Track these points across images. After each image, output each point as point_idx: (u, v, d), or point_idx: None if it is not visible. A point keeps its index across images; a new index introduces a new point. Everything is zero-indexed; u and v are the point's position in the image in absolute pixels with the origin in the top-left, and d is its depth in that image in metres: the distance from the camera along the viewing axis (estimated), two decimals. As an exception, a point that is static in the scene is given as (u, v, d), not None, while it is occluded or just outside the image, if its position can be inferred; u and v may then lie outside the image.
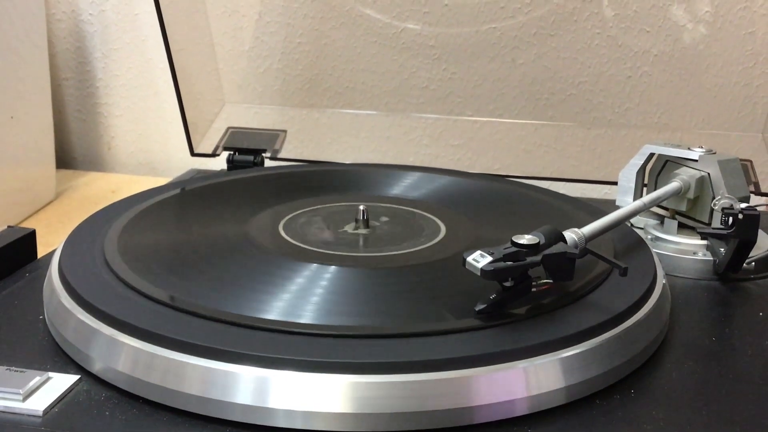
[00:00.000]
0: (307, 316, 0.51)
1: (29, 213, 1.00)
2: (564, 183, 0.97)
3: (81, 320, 0.51)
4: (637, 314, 0.54)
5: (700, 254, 0.70)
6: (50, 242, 0.73)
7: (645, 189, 0.77)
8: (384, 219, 0.70)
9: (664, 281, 0.60)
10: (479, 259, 0.51)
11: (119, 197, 0.74)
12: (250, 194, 0.77)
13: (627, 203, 0.71)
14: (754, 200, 0.77)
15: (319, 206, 0.73)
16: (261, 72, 1.05)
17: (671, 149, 0.74)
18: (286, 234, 0.65)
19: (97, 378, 0.49)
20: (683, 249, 0.71)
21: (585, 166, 1.00)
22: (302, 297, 0.54)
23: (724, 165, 0.71)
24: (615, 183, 0.79)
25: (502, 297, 0.52)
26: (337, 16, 1.01)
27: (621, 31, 0.96)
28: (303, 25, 1.02)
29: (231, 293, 0.54)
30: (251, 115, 1.05)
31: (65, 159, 1.22)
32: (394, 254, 0.62)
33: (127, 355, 0.48)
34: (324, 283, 0.56)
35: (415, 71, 1.02)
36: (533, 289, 0.53)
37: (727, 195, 0.68)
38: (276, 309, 0.52)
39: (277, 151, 0.97)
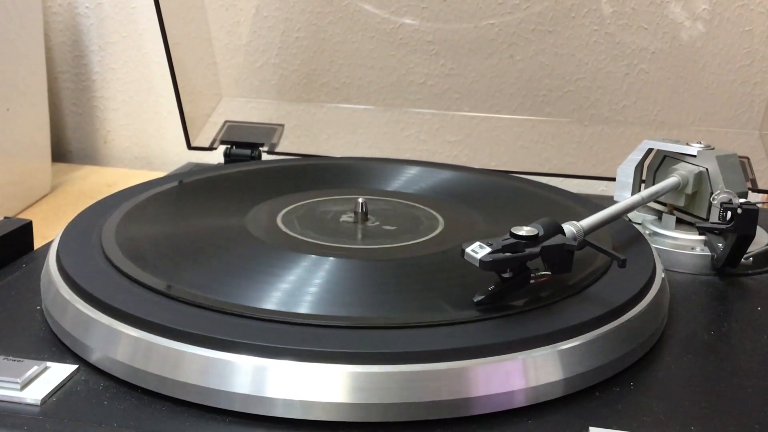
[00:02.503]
0: (305, 306, 0.51)
1: (24, 206, 1.00)
2: (561, 179, 0.97)
3: (79, 310, 0.51)
4: (636, 307, 0.54)
5: (698, 249, 0.70)
6: (45, 235, 0.73)
7: (643, 185, 0.77)
8: (383, 212, 0.70)
9: (663, 275, 0.60)
10: (478, 250, 0.51)
11: (115, 191, 0.74)
12: (248, 187, 0.77)
13: (625, 198, 0.71)
14: (752, 197, 0.77)
15: (318, 199, 0.73)
16: (258, 66, 1.05)
17: (670, 145, 0.74)
18: (285, 226, 0.65)
19: (95, 367, 0.49)
20: (681, 244, 0.71)
21: (582, 163, 1.01)
22: (301, 288, 0.54)
23: (723, 160, 0.71)
24: (612, 179, 0.79)
25: (501, 288, 0.52)
26: (334, 11, 1.00)
27: (619, 28, 0.96)
28: (300, 19, 1.02)
29: (229, 283, 0.54)
30: (248, 110, 1.05)
31: (61, 152, 1.21)
32: (393, 246, 0.62)
33: (125, 345, 0.48)
34: (323, 274, 0.56)
35: (413, 67, 1.02)
36: (531, 281, 0.53)
37: (725, 190, 0.68)
38: (275, 299, 0.52)
39: (274, 145, 0.97)
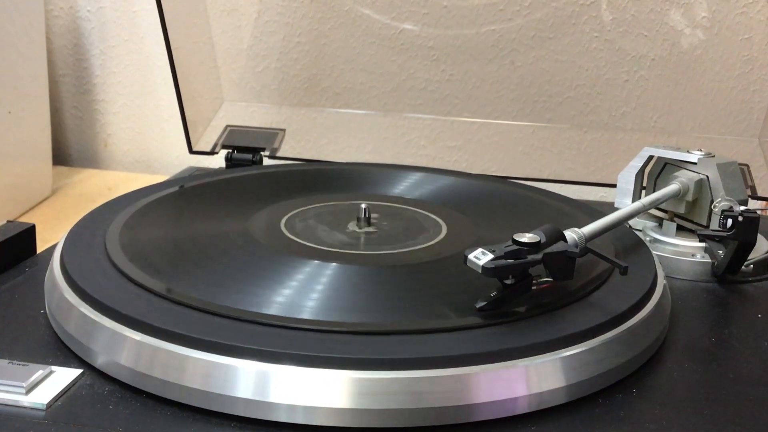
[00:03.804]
0: (309, 312, 0.51)
1: (25, 209, 1.00)
2: (561, 185, 0.98)
3: (83, 314, 0.51)
4: (638, 314, 0.54)
5: (698, 256, 0.70)
6: (46, 238, 0.73)
7: (644, 192, 0.77)
8: (386, 217, 0.70)
9: (664, 282, 0.60)
10: (480, 257, 0.51)
11: (115, 195, 0.74)
12: (251, 192, 0.77)
13: (626, 205, 0.71)
14: (751, 204, 0.77)
15: (321, 204, 0.73)
16: (259, 71, 1.05)
17: (670, 152, 0.74)
18: (288, 231, 0.65)
19: (99, 372, 0.49)
20: (682, 251, 0.71)
21: (581, 169, 1.01)
22: (304, 293, 0.54)
23: (723, 168, 0.71)
24: (612, 185, 0.79)
25: (503, 295, 0.52)
26: (335, 16, 1.01)
27: (619, 35, 0.96)
28: (302, 24, 1.03)
29: (233, 288, 0.54)
30: (250, 114, 1.05)
31: (61, 156, 1.21)
32: (396, 252, 0.62)
33: (129, 349, 0.48)
34: (325, 280, 0.56)
35: (414, 72, 1.02)
36: (533, 288, 0.54)
37: (726, 197, 0.68)
38: (278, 304, 0.52)
39: (275, 150, 0.97)
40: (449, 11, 0.98)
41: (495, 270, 0.51)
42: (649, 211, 0.75)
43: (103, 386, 0.48)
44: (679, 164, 0.74)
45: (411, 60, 1.01)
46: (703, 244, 0.71)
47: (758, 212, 0.66)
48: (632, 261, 0.61)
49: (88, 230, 0.64)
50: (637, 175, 0.75)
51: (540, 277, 0.54)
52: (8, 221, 0.69)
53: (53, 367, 0.49)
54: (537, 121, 1.01)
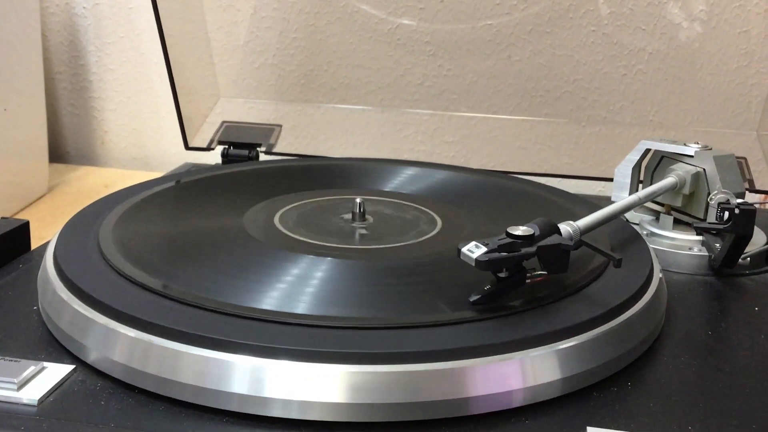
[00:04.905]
0: (303, 306, 0.51)
1: (21, 207, 1.00)
2: (558, 179, 0.97)
3: (76, 310, 0.51)
4: (633, 307, 0.54)
5: (695, 250, 0.70)
6: (42, 236, 0.73)
7: (641, 185, 0.77)
8: (381, 212, 0.70)
9: (660, 275, 0.60)
10: (474, 250, 0.51)
11: (112, 192, 0.74)
12: (246, 187, 0.77)
13: (622, 199, 0.71)
14: (749, 197, 0.77)
15: (315, 199, 0.73)
16: (256, 67, 1.05)
17: (667, 145, 0.74)
18: (282, 226, 0.65)
19: (92, 368, 0.49)
20: (678, 244, 0.71)
21: (579, 163, 1.01)
22: (298, 288, 0.54)
23: (720, 161, 0.71)
24: (609, 180, 0.79)
25: (497, 288, 0.52)
26: (332, 12, 1.00)
27: (616, 29, 0.96)
28: (298, 20, 1.02)
29: (227, 284, 0.54)
30: (246, 110, 1.05)
31: (58, 153, 1.21)
32: (390, 246, 0.62)
33: (122, 345, 0.48)
34: (320, 274, 0.56)
35: (411, 67, 1.02)
36: (527, 281, 0.53)
37: (723, 190, 0.68)
38: (272, 299, 0.52)
39: (272, 146, 0.97)
40: (446, 6, 0.98)
41: (488, 263, 0.50)
42: (646, 205, 0.75)
43: (96, 382, 0.48)
44: (676, 157, 0.74)
45: (408, 55, 1.01)
46: (700, 237, 0.70)
47: (756, 205, 0.65)
48: (629, 254, 0.61)
49: (82, 226, 0.64)
50: (633, 168, 0.75)
51: (534, 270, 0.54)
52: (2, 218, 0.69)
53: (45, 363, 0.49)
54: (535, 115, 1.01)
